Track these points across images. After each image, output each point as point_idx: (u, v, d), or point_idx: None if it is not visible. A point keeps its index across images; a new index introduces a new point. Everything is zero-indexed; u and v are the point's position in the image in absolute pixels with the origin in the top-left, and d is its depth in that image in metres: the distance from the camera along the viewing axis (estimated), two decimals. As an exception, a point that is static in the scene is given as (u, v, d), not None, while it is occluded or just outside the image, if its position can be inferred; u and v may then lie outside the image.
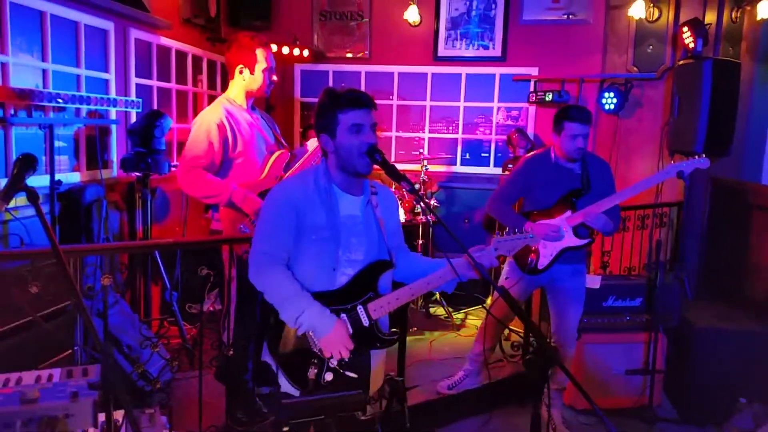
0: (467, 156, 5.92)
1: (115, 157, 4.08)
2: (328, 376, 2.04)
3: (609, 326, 3.80)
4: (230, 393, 3.23)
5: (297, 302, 2.00)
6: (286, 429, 1.62)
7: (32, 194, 1.53)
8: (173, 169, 3.96)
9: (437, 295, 5.09)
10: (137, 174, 3.84)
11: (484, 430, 3.47)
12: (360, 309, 2.10)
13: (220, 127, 2.97)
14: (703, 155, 3.25)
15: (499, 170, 5.76)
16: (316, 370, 2.03)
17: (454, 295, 5.25)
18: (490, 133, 5.87)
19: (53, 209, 3.15)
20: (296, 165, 3.18)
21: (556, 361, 1.85)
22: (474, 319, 5.17)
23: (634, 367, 3.81)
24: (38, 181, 3.38)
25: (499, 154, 5.85)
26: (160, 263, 3.92)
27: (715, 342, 3.69)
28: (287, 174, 3.17)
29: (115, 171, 4.08)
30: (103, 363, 1.27)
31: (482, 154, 5.91)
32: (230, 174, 3.07)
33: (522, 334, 4.21)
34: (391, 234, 2.26)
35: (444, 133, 5.94)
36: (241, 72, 3.05)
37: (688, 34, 4.48)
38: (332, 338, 2.01)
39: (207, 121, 2.97)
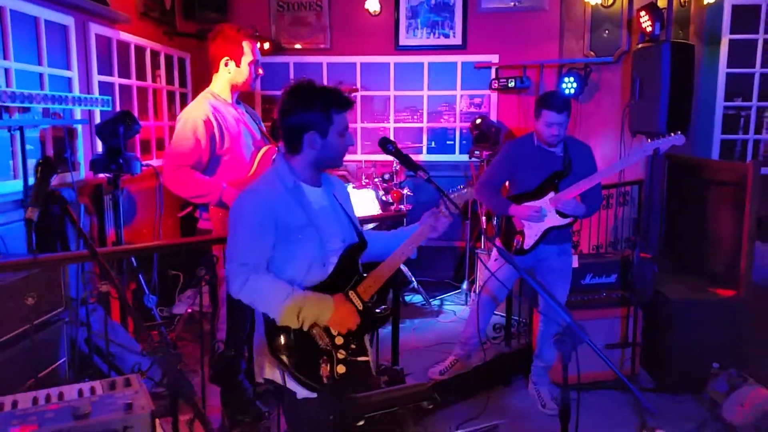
0: (433, 144, 5.96)
1: (82, 158, 3.90)
2: (341, 369, 2.02)
3: (588, 303, 3.93)
4: (225, 394, 3.17)
5: (292, 301, 1.98)
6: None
7: (60, 199, 1.45)
8: (144, 168, 3.81)
9: (414, 283, 5.12)
10: (107, 175, 3.68)
11: (480, 412, 3.52)
12: (351, 294, 2.12)
13: (207, 123, 2.88)
14: (679, 132, 3.38)
15: (464, 157, 5.83)
16: (328, 366, 2.01)
17: (428, 283, 5.39)
18: (455, 121, 5.92)
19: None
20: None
21: (584, 339, 1.89)
22: (450, 304, 5.23)
23: (613, 341, 3.96)
24: (10, 186, 3.20)
25: (464, 142, 5.91)
26: (136, 267, 3.78)
27: (687, 313, 3.86)
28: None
29: (82, 173, 3.90)
30: (167, 369, 1.21)
31: (447, 142, 5.96)
32: (218, 171, 2.98)
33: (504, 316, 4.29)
34: (354, 217, 2.30)
35: (409, 122, 5.95)
36: (226, 65, 2.96)
37: (646, 18, 4.64)
38: (338, 315, 2.02)
39: (193, 118, 2.88)
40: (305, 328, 2.01)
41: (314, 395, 2.01)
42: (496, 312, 3.95)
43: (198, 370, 3.02)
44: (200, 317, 2.78)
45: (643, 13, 4.71)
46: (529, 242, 3.50)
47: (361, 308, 2.10)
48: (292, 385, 2.02)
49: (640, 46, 4.71)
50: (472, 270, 5.28)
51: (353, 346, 2.07)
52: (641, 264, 3.87)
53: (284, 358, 1.99)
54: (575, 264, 3.72)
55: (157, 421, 1.38)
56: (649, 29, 4.66)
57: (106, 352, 3.17)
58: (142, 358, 3.02)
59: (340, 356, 2.03)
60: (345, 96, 2.10)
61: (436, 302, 5.22)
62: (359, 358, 2.08)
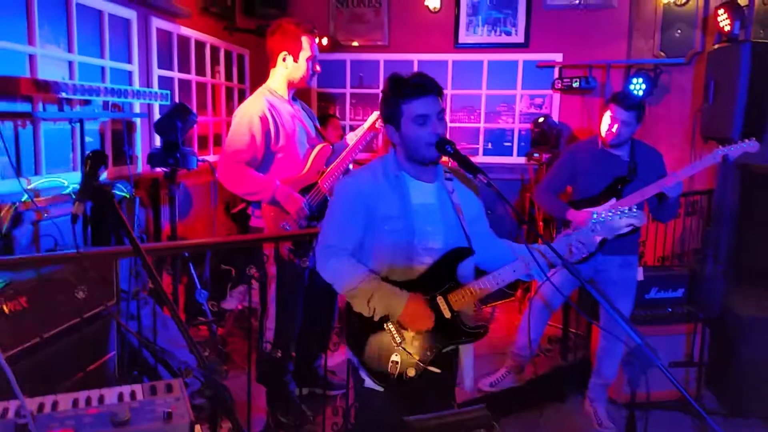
0: (489, 146, 5.79)
1: (140, 152, 3.94)
2: (410, 372, 1.95)
3: (651, 318, 3.73)
4: (271, 395, 3.13)
5: (365, 286, 1.94)
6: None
7: (108, 194, 1.41)
8: (200, 163, 3.82)
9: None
10: (164, 169, 3.70)
11: (532, 427, 3.38)
12: (440, 299, 2.00)
13: (263, 119, 2.84)
14: (753, 139, 3.15)
15: (522, 159, 5.65)
16: (398, 366, 1.94)
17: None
18: (513, 122, 5.74)
19: (85, 209, 3.00)
20: (337, 160, 3.06)
21: (655, 363, 1.74)
22: (502, 312, 5.07)
23: (677, 359, 3.73)
24: (69, 178, 3.25)
25: (522, 143, 5.72)
26: (189, 262, 3.79)
27: (758, 332, 3.62)
28: (329, 169, 3.05)
29: (140, 167, 3.94)
30: (209, 378, 1.15)
31: (505, 143, 5.78)
32: (271, 169, 2.94)
33: (561, 328, 4.11)
34: (473, 220, 2.13)
35: (465, 122, 5.80)
36: (284, 60, 2.91)
37: (725, 16, 4.36)
38: (409, 312, 1.93)
39: (249, 114, 2.84)
40: (376, 318, 1.96)
41: (380, 388, 1.99)
42: (551, 323, 3.79)
43: (245, 367, 2.99)
44: (249, 315, 2.73)
45: (721, 11, 4.42)
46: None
47: (448, 316, 2.00)
48: (362, 372, 2.02)
49: (716, 46, 4.42)
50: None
51: (429, 353, 1.97)
52: (712, 278, 3.63)
53: (355, 344, 2.00)
54: (640, 277, 3.52)
55: (197, 427, 1.32)
56: (727, 28, 4.36)
57: (156, 346, 3.18)
58: (191, 355, 3.00)
59: (412, 359, 1.96)
60: (414, 82, 1.97)
61: (488, 310, 5.06)
62: (435, 369, 2.00)
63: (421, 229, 2.01)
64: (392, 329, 1.97)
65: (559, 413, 3.65)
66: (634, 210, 2.05)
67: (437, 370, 1.99)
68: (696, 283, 3.83)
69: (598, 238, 2.05)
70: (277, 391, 3.10)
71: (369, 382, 2.00)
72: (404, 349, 1.95)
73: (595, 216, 2.06)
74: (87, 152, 1.39)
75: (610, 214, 2.04)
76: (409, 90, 1.96)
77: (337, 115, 5.84)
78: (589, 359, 3.94)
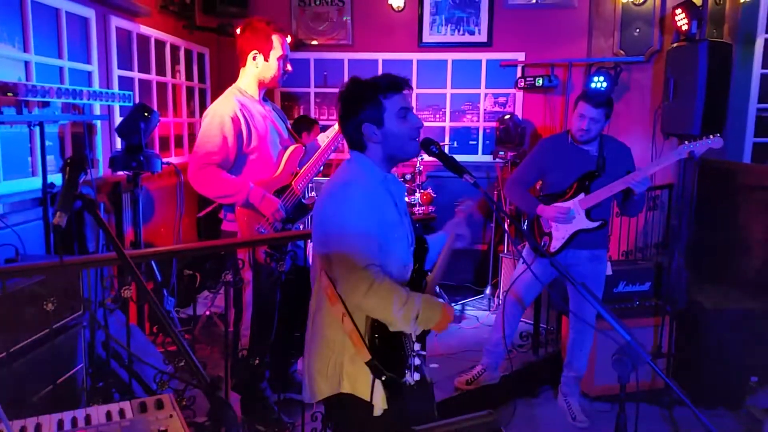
0: (455, 144, 5.81)
1: (101, 155, 3.79)
2: (416, 376, 1.90)
3: (619, 312, 3.78)
4: (246, 402, 3.06)
5: (411, 304, 1.82)
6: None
7: (89, 202, 1.33)
8: (164, 166, 3.70)
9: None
10: (127, 173, 3.57)
11: (505, 425, 3.40)
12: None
13: (234, 120, 2.76)
14: (718, 135, 3.23)
15: (488, 158, 5.69)
16: (412, 371, 1.88)
17: (448, 286, 5.25)
18: (478, 120, 5.78)
19: (47, 216, 2.87)
20: (310, 161, 3.01)
21: (644, 360, 1.76)
22: (472, 309, 5.10)
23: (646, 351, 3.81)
24: (28, 184, 3.10)
25: (487, 142, 5.76)
26: (155, 268, 3.67)
27: (722, 323, 3.72)
28: (302, 170, 3.00)
29: (101, 170, 3.79)
30: (211, 395, 1.09)
31: (470, 142, 5.81)
32: (244, 170, 2.87)
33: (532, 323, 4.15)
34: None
35: (431, 121, 5.80)
36: (254, 59, 2.84)
37: (682, 16, 4.48)
38: (445, 317, 1.88)
39: (220, 114, 2.76)
40: (417, 332, 1.87)
41: (386, 406, 1.87)
42: (522, 319, 3.82)
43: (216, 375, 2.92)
44: (225, 325, 2.65)
45: (679, 11, 4.55)
46: (555, 245, 3.37)
47: None
48: (376, 398, 1.87)
49: (675, 45, 4.54)
50: (496, 273, 5.14)
51: (423, 353, 1.94)
52: (677, 272, 3.72)
53: (380, 365, 1.83)
54: (609, 272, 3.58)
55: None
56: (685, 28, 4.49)
57: (126, 356, 3.07)
58: (163, 365, 2.91)
59: (416, 363, 1.91)
60: (392, 78, 1.93)
61: (457, 307, 5.08)
62: (431, 365, 1.99)
63: (409, 231, 2.00)
64: (410, 337, 1.91)
65: (533, 408, 3.68)
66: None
67: (436, 365, 1.98)
68: (661, 277, 3.91)
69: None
70: (253, 398, 3.03)
71: (378, 408, 1.87)
72: (416, 354, 1.91)
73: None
74: (66, 158, 1.30)
75: None
76: (388, 85, 1.93)
77: (303, 113, 5.77)
78: (559, 353, 4.00)
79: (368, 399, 1.86)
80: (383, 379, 1.83)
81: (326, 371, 1.92)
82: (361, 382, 1.88)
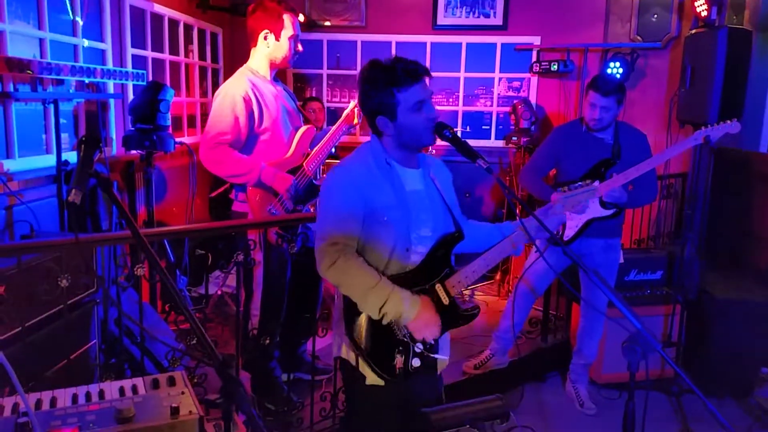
0: (467, 129, 5.76)
1: (114, 133, 3.80)
2: (416, 362, 1.93)
3: (630, 300, 3.77)
4: (256, 382, 3.09)
5: (378, 291, 1.85)
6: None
7: (103, 180, 1.34)
8: (177, 146, 3.71)
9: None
10: (140, 152, 3.58)
11: (513, 409, 3.41)
12: (438, 287, 1.98)
13: (246, 100, 2.76)
14: (735, 120, 3.18)
15: (500, 143, 5.65)
16: (402, 358, 1.91)
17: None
18: (492, 105, 5.73)
19: (61, 193, 2.89)
20: (321, 142, 3.01)
21: (654, 349, 1.75)
22: (481, 294, 5.10)
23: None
24: (42, 161, 3.12)
25: (500, 126, 5.72)
26: (168, 247, 3.69)
27: (733, 313, 3.70)
28: (313, 151, 3.00)
29: (114, 149, 3.81)
30: (222, 373, 1.10)
31: (483, 127, 5.77)
32: (255, 151, 2.87)
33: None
34: (452, 205, 2.12)
35: (444, 105, 5.76)
36: (265, 38, 2.82)
37: (702, 1, 4.40)
38: (421, 321, 1.88)
39: (231, 94, 2.76)
40: (384, 322, 1.89)
41: (382, 383, 1.94)
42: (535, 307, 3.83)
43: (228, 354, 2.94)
44: (237, 305, 2.67)
45: (698, -4, 4.47)
46: (568, 233, 3.34)
47: (446, 303, 1.97)
48: (363, 369, 1.95)
49: (693, 31, 4.47)
50: (506, 259, 5.13)
51: (432, 342, 1.96)
52: (690, 261, 3.69)
53: (359, 342, 1.92)
54: (621, 260, 3.56)
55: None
56: (704, 14, 4.41)
57: (138, 333, 3.10)
58: (175, 343, 2.94)
59: (417, 350, 1.94)
60: (406, 68, 1.89)
61: (466, 292, 5.08)
62: (435, 356, 2.00)
63: (417, 217, 1.98)
64: (400, 323, 1.93)
65: (540, 393, 3.70)
66: (589, 183, 2.18)
67: (442, 357, 1.98)
68: (674, 266, 3.89)
69: (567, 214, 2.14)
70: (263, 377, 3.06)
71: (370, 379, 1.94)
72: (410, 341, 1.93)
73: (558, 193, 2.17)
74: (81, 136, 1.30)
75: (572, 191, 2.15)
76: (404, 76, 1.89)
77: (315, 95, 5.74)
78: (568, 341, 4.00)
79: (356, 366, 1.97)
80: (358, 354, 1.93)
81: (339, 333, 2.05)
82: (352, 351, 1.99)
